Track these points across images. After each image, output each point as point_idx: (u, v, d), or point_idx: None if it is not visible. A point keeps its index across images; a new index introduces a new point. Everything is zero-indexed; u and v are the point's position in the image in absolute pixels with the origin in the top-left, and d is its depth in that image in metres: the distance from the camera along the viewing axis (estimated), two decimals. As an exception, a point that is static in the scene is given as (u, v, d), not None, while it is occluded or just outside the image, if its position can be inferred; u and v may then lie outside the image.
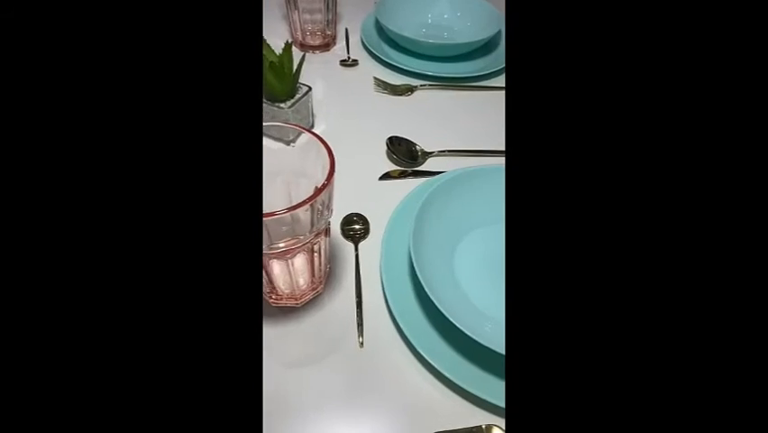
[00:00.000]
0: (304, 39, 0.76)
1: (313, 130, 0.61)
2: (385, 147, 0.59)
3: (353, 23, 0.82)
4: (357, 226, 0.50)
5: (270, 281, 0.39)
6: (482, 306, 0.43)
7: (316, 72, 0.72)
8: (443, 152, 0.60)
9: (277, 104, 0.55)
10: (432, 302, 0.38)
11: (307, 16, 0.74)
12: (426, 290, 0.39)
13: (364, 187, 0.55)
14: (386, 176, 0.56)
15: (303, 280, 0.42)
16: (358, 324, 0.42)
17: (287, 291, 0.41)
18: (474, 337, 0.36)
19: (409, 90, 0.70)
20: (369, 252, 0.48)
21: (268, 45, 0.56)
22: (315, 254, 0.40)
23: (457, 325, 0.37)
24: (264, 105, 0.55)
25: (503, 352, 0.36)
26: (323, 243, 0.40)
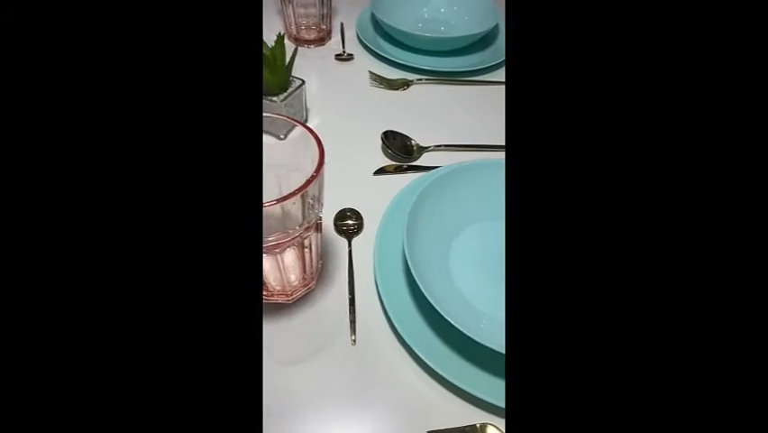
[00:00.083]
0: (298, 33, 0.75)
1: (306, 122, 0.60)
2: (380, 142, 0.58)
3: (349, 17, 0.81)
4: (350, 222, 0.49)
5: (260, 277, 0.38)
6: (478, 303, 0.42)
7: (311, 67, 0.71)
8: (440, 146, 0.59)
9: (269, 97, 0.54)
10: (426, 299, 0.37)
11: (302, 10, 0.73)
12: (420, 286, 0.38)
13: (358, 182, 0.54)
14: (381, 171, 0.55)
15: (294, 276, 0.41)
16: (350, 322, 0.41)
17: (277, 288, 0.40)
18: (469, 334, 0.35)
19: (405, 85, 0.69)
20: (362, 247, 0.47)
21: (260, 38, 0.55)
22: (306, 250, 0.39)
23: (451, 321, 0.36)
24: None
25: (499, 349, 0.35)
26: (314, 238, 0.39)
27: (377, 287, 0.43)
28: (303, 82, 0.56)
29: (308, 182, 0.30)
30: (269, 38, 0.56)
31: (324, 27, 0.76)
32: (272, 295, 0.41)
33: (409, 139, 0.59)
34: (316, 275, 0.44)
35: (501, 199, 0.48)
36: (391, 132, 0.59)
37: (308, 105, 0.62)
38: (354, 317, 0.42)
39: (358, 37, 0.76)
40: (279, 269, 0.38)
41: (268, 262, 0.37)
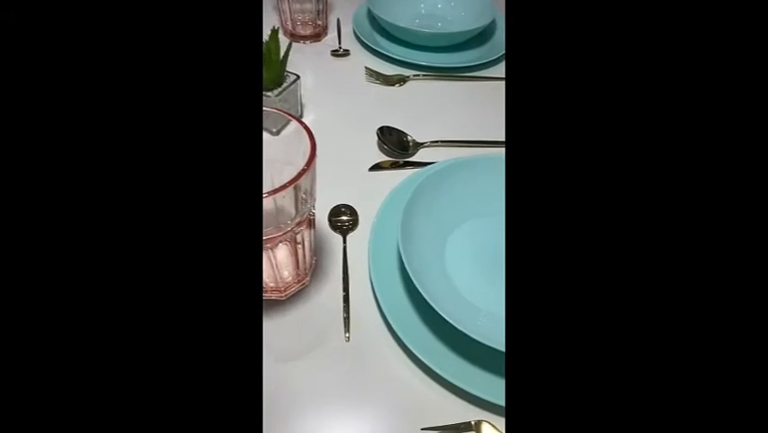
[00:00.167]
0: (294, 29, 0.74)
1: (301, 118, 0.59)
2: (375, 138, 0.57)
3: (345, 13, 0.81)
4: (345, 218, 0.48)
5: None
6: (475, 299, 0.42)
7: (307, 62, 0.70)
8: (436, 142, 0.58)
9: (263, 92, 0.53)
10: (421, 296, 0.37)
11: (297, 6, 0.72)
12: (415, 282, 0.38)
13: (354, 178, 0.53)
14: (376, 167, 0.55)
15: (287, 272, 0.40)
16: (344, 319, 0.41)
17: (270, 284, 0.40)
18: (465, 331, 0.35)
19: (401, 81, 0.68)
20: (357, 244, 0.46)
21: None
22: (299, 246, 0.38)
23: (446, 318, 0.35)
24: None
25: (495, 346, 0.34)
26: (306, 234, 0.39)
27: (371, 283, 0.42)
28: (297, 77, 0.56)
29: (299, 175, 0.30)
30: (263, 33, 0.55)
31: (320, 23, 0.75)
32: (265, 291, 0.41)
33: (405, 135, 0.58)
34: (310, 271, 0.43)
35: (498, 195, 0.48)
36: (387, 127, 0.58)
37: (303, 101, 0.62)
38: (348, 315, 0.41)
39: (354, 33, 0.75)
40: (272, 265, 0.37)
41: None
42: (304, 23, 0.74)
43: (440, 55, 0.72)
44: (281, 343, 0.39)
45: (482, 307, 0.41)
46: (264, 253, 0.36)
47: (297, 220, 0.34)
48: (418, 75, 0.69)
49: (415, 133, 0.58)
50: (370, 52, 0.73)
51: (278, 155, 0.37)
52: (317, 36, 0.75)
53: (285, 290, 0.41)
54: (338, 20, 0.79)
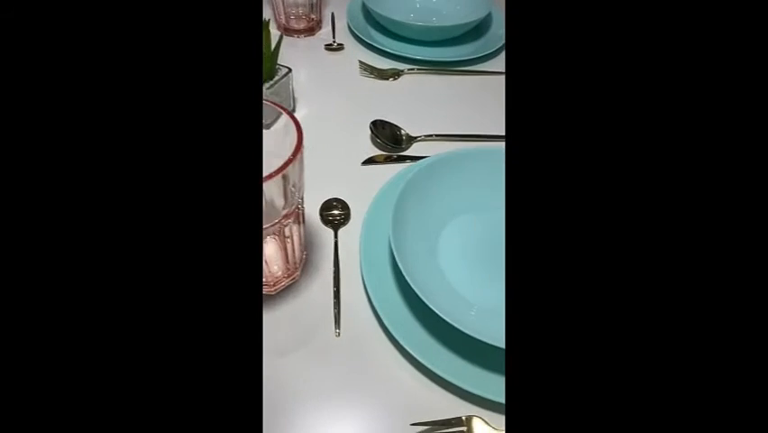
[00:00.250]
0: (288, 23, 0.74)
1: (294, 113, 0.59)
2: (369, 132, 0.57)
3: (339, 7, 0.80)
4: (336, 212, 0.48)
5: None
6: (467, 294, 0.41)
7: (300, 56, 0.70)
8: (430, 136, 0.57)
9: (255, 86, 0.53)
10: (412, 290, 0.36)
11: (291, 0, 0.72)
12: (405, 275, 0.37)
13: (346, 172, 0.53)
14: (369, 161, 0.54)
15: (277, 266, 0.40)
16: (335, 316, 0.40)
17: (259, 278, 0.39)
18: (455, 325, 0.34)
19: (396, 74, 0.68)
20: (349, 238, 0.46)
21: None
22: (287, 239, 0.38)
23: (437, 311, 0.35)
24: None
25: (487, 340, 0.34)
26: (295, 228, 0.38)
27: (362, 278, 0.42)
28: (289, 70, 0.55)
29: (286, 164, 0.29)
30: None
31: (313, 17, 0.74)
32: (254, 286, 0.40)
33: (399, 128, 0.57)
34: (300, 266, 0.43)
35: (492, 189, 0.47)
36: (380, 121, 0.57)
37: (296, 96, 0.61)
38: (339, 310, 0.40)
39: (348, 27, 0.75)
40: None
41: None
42: (297, 17, 0.74)
43: (435, 49, 0.72)
44: (271, 338, 0.39)
45: (474, 301, 0.41)
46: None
47: (285, 212, 0.34)
48: (413, 69, 0.69)
49: (409, 127, 0.58)
50: (365, 46, 0.72)
51: (270, 148, 0.37)
52: (311, 30, 0.75)
53: (274, 285, 0.41)
54: (332, 14, 0.78)
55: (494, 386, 0.35)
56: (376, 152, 0.56)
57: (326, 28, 0.76)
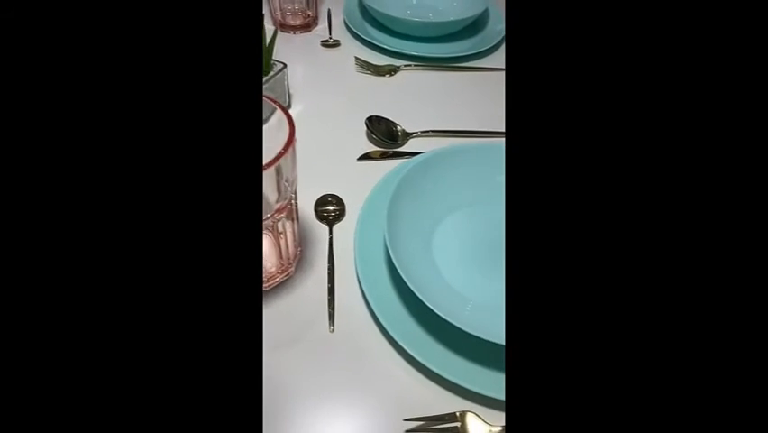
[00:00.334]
0: (284, 19, 0.73)
1: (289, 109, 0.59)
2: (365, 128, 0.56)
3: (336, 3, 0.80)
4: (331, 208, 0.47)
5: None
6: (463, 289, 0.41)
7: (296, 53, 0.69)
8: (427, 132, 0.57)
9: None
10: (407, 286, 0.36)
11: (287, -5, 0.71)
12: (400, 271, 0.37)
13: (342, 168, 0.53)
14: (365, 157, 0.54)
15: (270, 262, 0.39)
16: (329, 313, 0.40)
17: (253, 274, 0.39)
18: (450, 321, 0.34)
19: (392, 71, 0.67)
20: (344, 234, 0.46)
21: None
22: (281, 235, 0.37)
23: (431, 307, 0.35)
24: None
25: (482, 336, 0.33)
26: (288, 224, 0.38)
27: (357, 274, 0.41)
28: (284, 66, 0.55)
29: (278, 157, 0.29)
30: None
31: (310, 13, 0.74)
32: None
33: (395, 124, 0.57)
34: (295, 262, 0.42)
35: (487, 185, 0.47)
36: (376, 117, 0.57)
37: (292, 92, 0.61)
38: (333, 309, 0.40)
39: (345, 23, 0.74)
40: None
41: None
42: (294, 14, 0.73)
43: (431, 45, 0.71)
44: (264, 333, 0.38)
45: (470, 297, 0.40)
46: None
47: (278, 206, 0.33)
48: (410, 65, 0.68)
49: (405, 123, 0.58)
50: (361, 43, 0.72)
51: (264, 144, 0.37)
52: (307, 27, 0.74)
53: (268, 281, 0.40)
54: (329, 10, 0.78)
55: (488, 382, 0.34)
56: (372, 148, 0.55)
57: (322, 24, 0.76)
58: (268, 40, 0.53)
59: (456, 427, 0.33)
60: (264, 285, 0.40)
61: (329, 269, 0.43)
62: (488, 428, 0.33)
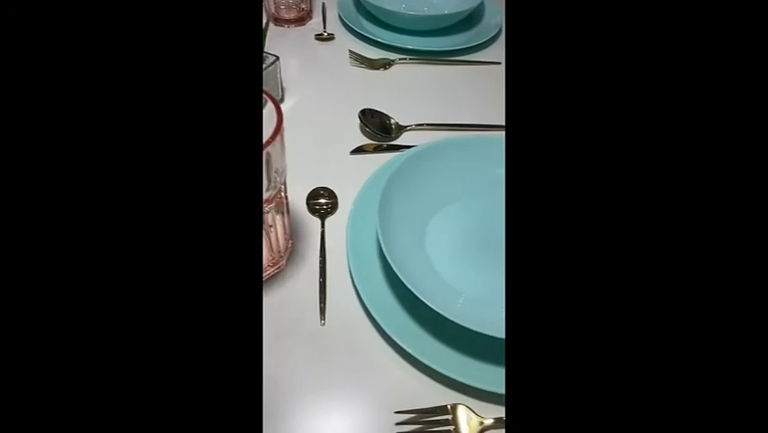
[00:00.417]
0: (278, 12, 0.73)
1: (282, 102, 0.58)
2: (358, 121, 0.56)
3: (331, -3, 0.79)
4: (323, 201, 0.47)
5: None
6: (456, 283, 0.41)
7: (290, 46, 0.69)
8: (421, 125, 0.57)
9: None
10: (399, 279, 0.36)
11: (281, -12, 0.71)
12: (391, 262, 0.37)
13: (335, 161, 0.52)
14: (359, 150, 0.54)
15: (261, 255, 0.39)
16: (320, 308, 0.39)
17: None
18: (439, 311, 0.34)
19: (387, 64, 0.67)
20: (336, 227, 0.45)
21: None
22: (271, 228, 0.37)
23: (422, 299, 0.34)
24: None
25: (474, 328, 0.33)
26: (278, 217, 0.37)
27: (349, 267, 0.41)
28: (277, 58, 0.54)
29: (266, 144, 0.29)
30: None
31: (304, 7, 0.73)
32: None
33: (388, 117, 0.57)
34: (286, 255, 0.42)
35: (480, 178, 0.47)
36: (369, 110, 0.57)
37: (285, 85, 0.60)
38: (324, 299, 0.40)
39: (339, 17, 0.74)
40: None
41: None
42: (288, 7, 0.73)
43: (426, 39, 0.71)
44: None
45: (462, 290, 0.40)
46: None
47: (267, 196, 0.33)
48: (404, 59, 0.68)
49: (399, 117, 0.57)
50: (356, 36, 0.71)
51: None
52: (301, 20, 0.74)
53: (259, 274, 0.40)
54: (323, 4, 0.78)
55: (480, 374, 0.34)
56: (365, 141, 0.55)
57: (317, 18, 0.75)
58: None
59: (447, 419, 0.33)
60: (255, 278, 0.40)
61: (321, 262, 0.42)
62: (479, 420, 0.33)
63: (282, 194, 0.37)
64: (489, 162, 0.46)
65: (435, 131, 0.56)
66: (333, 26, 0.74)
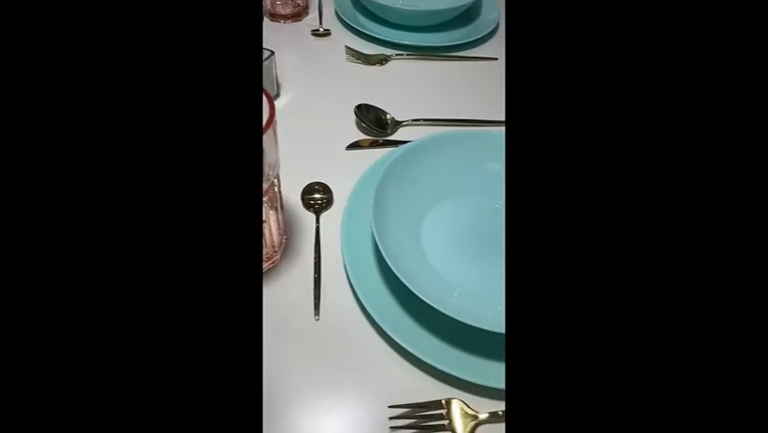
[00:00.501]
0: (274, 8, 0.73)
1: (278, 98, 0.58)
2: (354, 116, 0.56)
3: (327, -8, 0.79)
4: (318, 196, 0.47)
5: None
6: (450, 277, 0.40)
7: (286, 42, 0.68)
8: (418, 120, 0.56)
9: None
10: (393, 273, 0.36)
11: (277, -16, 0.71)
12: (385, 256, 0.36)
13: (330, 156, 0.52)
14: (354, 145, 0.53)
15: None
16: (315, 300, 0.39)
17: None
18: (433, 305, 0.34)
19: (383, 60, 0.67)
20: (332, 223, 0.45)
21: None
22: (264, 223, 0.37)
23: (416, 292, 0.34)
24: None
25: (469, 322, 0.33)
26: (272, 212, 0.37)
27: (344, 262, 0.41)
28: (272, 53, 0.54)
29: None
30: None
31: (300, 2, 0.73)
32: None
33: (384, 113, 0.56)
34: (280, 250, 0.42)
35: (475, 173, 0.46)
36: (365, 105, 0.56)
37: (281, 81, 0.60)
38: (319, 294, 0.40)
39: (336, 13, 0.73)
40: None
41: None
42: (284, 2, 0.72)
43: (423, 35, 0.70)
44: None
45: (457, 284, 0.40)
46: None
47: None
48: (401, 54, 0.68)
49: (396, 112, 0.57)
50: (352, 32, 0.71)
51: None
52: (297, 16, 0.73)
53: (253, 269, 0.40)
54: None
55: (475, 369, 0.34)
56: (361, 136, 0.55)
57: (313, 14, 0.75)
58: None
59: (441, 413, 0.32)
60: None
61: (315, 257, 0.42)
62: (473, 414, 0.32)
63: (276, 188, 0.37)
64: (484, 157, 0.46)
65: (432, 126, 0.56)
66: (330, 22, 0.73)
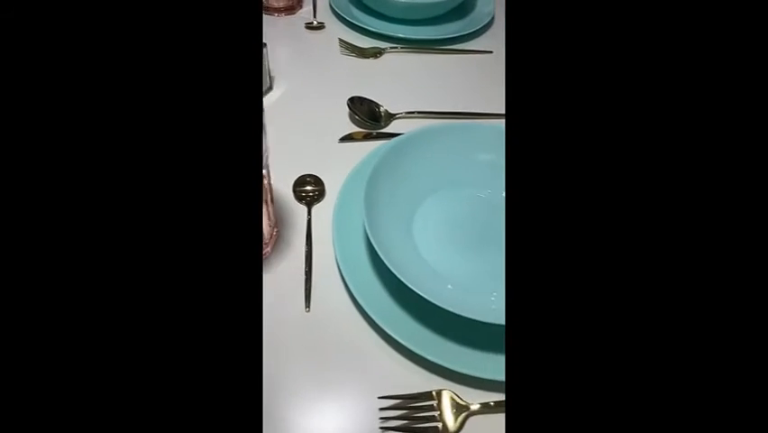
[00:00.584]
0: (267, 1, 0.72)
1: (271, 91, 0.57)
2: (347, 109, 0.55)
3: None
4: (309, 188, 0.46)
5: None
6: (443, 269, 0.40)
7: (279, 35, 0.68)
8: (412, 113, 0.56)
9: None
10: (386, 265, 0.35)
11: (270, -23, 0.70)
12: (376, 248, 0.36)
13: (323, 149, 0.52)
14: (348, 138, 0.53)
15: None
16: (305, 291, 0.39)
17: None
18: (425, 296, 0.33)
19: (377, 53, 0.66)
20: (323, 215, 0.45)
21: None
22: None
23: (408, 284, 0.34)
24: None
25: (461, 313, 0.33)
26: (263, 206, 0.37)
27: (335, 254, 0.40)
28: (264, 45, 0.53)
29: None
30: None
31: (294, -5, 0.73)
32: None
33: (377, 105, 0.56)
34: (271, 243, 0.42)
35: (465, 164, 0.46)
36: (358, 97, 0.56)
37: (275, 74, 0.60)
38: (310, 286, 0.39)
39: (330, 6, 0.73)
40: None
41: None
42: (278, -4, 0.72)
43: (417, 28, 0.70)
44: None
45: (449, 277, 0.40)
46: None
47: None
48: (395, 47, 0.67)
49: (389, 105, 0.56)
50: (346, 26, 0.71)
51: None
52: (291, 9, 0.73)
53: (243, 261, 0.39)
54: (314, -7, 0.77)
55: (467, 360, 0.34)
56: (354, 129, 0.54)
57: (307, 7, 0.74)
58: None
59: (432, 405, 0.32)
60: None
61: (307, 249, 0.42)
62: (464, 405, 0.32)
63: (266, 180, 0.36)
64: (475, 149, 0.46)
65: (425, 119, 0.56)
66: (324, 15, 0.73)
